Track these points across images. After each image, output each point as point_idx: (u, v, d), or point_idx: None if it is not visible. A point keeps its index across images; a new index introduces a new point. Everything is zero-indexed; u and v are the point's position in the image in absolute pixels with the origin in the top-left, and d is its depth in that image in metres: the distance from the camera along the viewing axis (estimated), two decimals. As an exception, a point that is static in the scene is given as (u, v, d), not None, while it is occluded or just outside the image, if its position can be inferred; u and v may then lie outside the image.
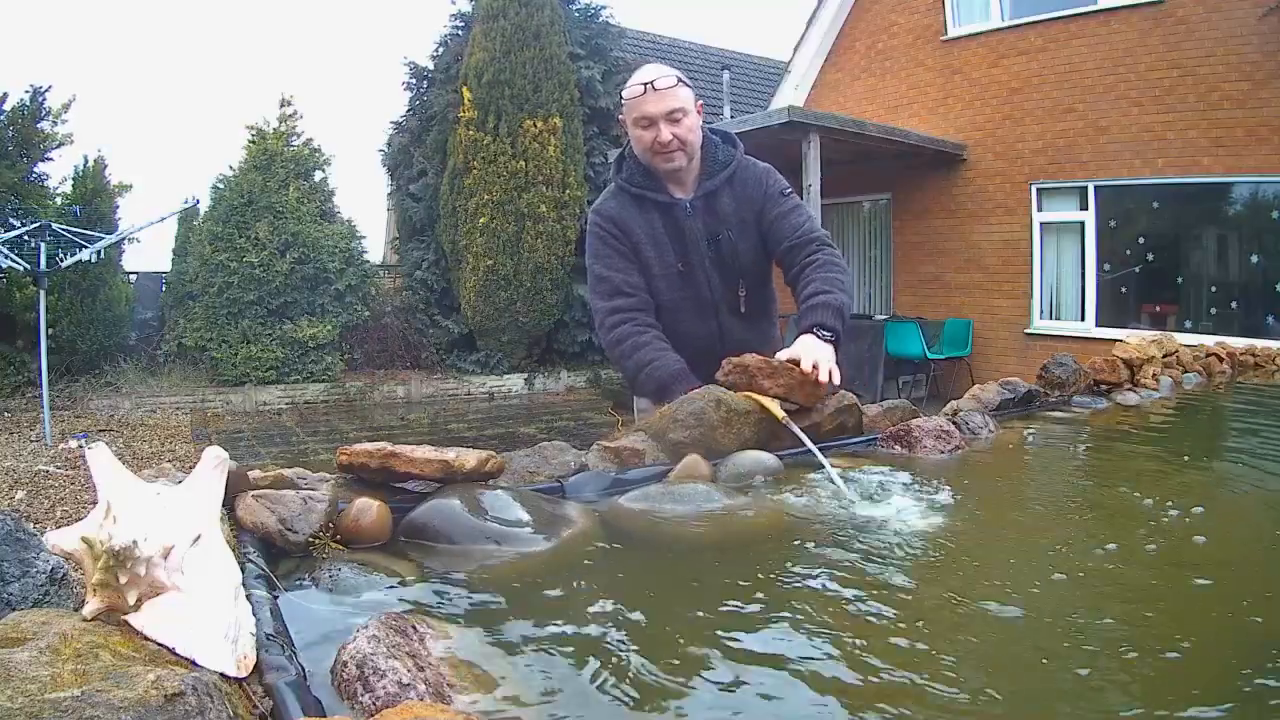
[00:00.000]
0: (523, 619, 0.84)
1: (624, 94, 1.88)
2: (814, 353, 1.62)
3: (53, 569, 0.71)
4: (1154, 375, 2.55)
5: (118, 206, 8.93)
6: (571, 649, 0.78)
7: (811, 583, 0.97)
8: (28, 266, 6.82)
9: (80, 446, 6.34)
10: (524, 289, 9.41)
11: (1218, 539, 1.10)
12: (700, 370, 1.78)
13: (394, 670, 0.64)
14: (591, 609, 0.88)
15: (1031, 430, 1.98)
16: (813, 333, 1.70)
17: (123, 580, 0.63)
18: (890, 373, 8.37)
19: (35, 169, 8.50)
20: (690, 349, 1.87)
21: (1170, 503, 1.25)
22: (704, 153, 1.92)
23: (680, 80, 1.84)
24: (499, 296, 9.41)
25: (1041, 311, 8.07)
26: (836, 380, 1.62)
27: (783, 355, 1.62)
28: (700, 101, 1.91)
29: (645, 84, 1.81)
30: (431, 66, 10.67)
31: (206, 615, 0.66)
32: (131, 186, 9.10)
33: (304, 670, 0.67)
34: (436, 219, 9.97)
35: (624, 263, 1.92)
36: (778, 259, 1.94)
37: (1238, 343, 3.48)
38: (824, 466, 1.38)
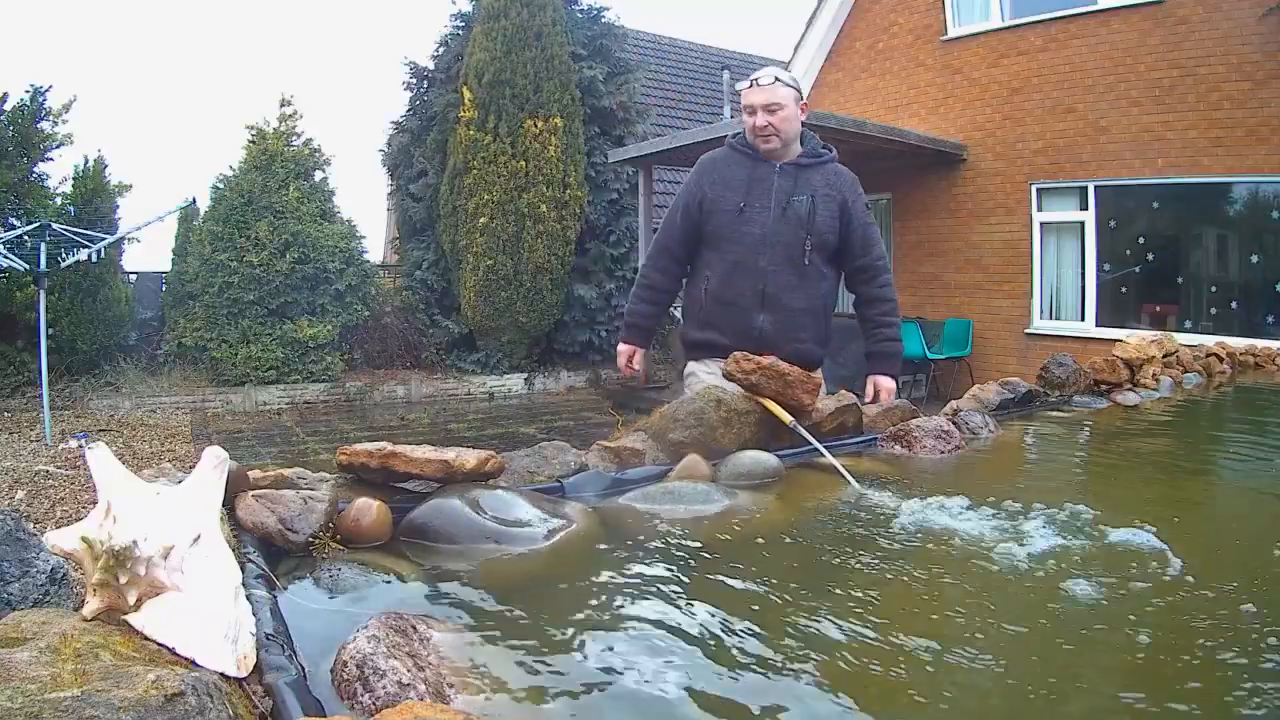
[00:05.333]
0: (523, 618, 0.84)
1: (739, 85, 2.35)
2: (887, 389, 2.28)
3: (53, 569, 0.71)
4: (1154, 375, 2.55)
5: (118, 206, 8.92)
6: (571, 648, 0.78)
7: (812, 582, 0.97)
8: (28, 266, 6.82)
9: (80, 446, 6.34)
10: (524, 289, 9.41)
11: (1216, 540, 1.10)
12: (739, 304, 2.23)
13: (394, 670, 0.64)
14: (591, 608, 0.88)
15: (1031, 430, 1.99)
16: (892, 378, 2.32)
17: (123, 580, 0.63)
18: (890, 373, 8.36)
19: (35, 169, 8.49)
20: (744, 284, 2.23)
21: (1169, 504, 1.25)
22: (804, 145, 2.32)
23: (780, 81, 2.25)
24: (499, 296, 9.40)
25: (1041, 311, 8.06)
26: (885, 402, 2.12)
27: (870, 398, 2.26)
28: (804, 102, 2.31)
29: (753, 80, 2.26)
30: (432, 66, 10.66)
31: (206, 615, 0.66)
32: (131, 186, 9.08)
33: (304, 670, 0.67)
34: (436, 219, 9.96)
35: (684, 221, 2.34)
36: (848, 267, 2.33)
37: (1238, 343, 3.48)
38: (831, 461, 1.39)
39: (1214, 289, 7.24)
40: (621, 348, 2.48)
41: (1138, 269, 7.54)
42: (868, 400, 2.22)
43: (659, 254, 2.43)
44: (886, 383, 2.29)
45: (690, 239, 2.35)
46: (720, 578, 0.98)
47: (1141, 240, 7.51)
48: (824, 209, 2.23)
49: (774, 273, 2.21)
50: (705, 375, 2.28)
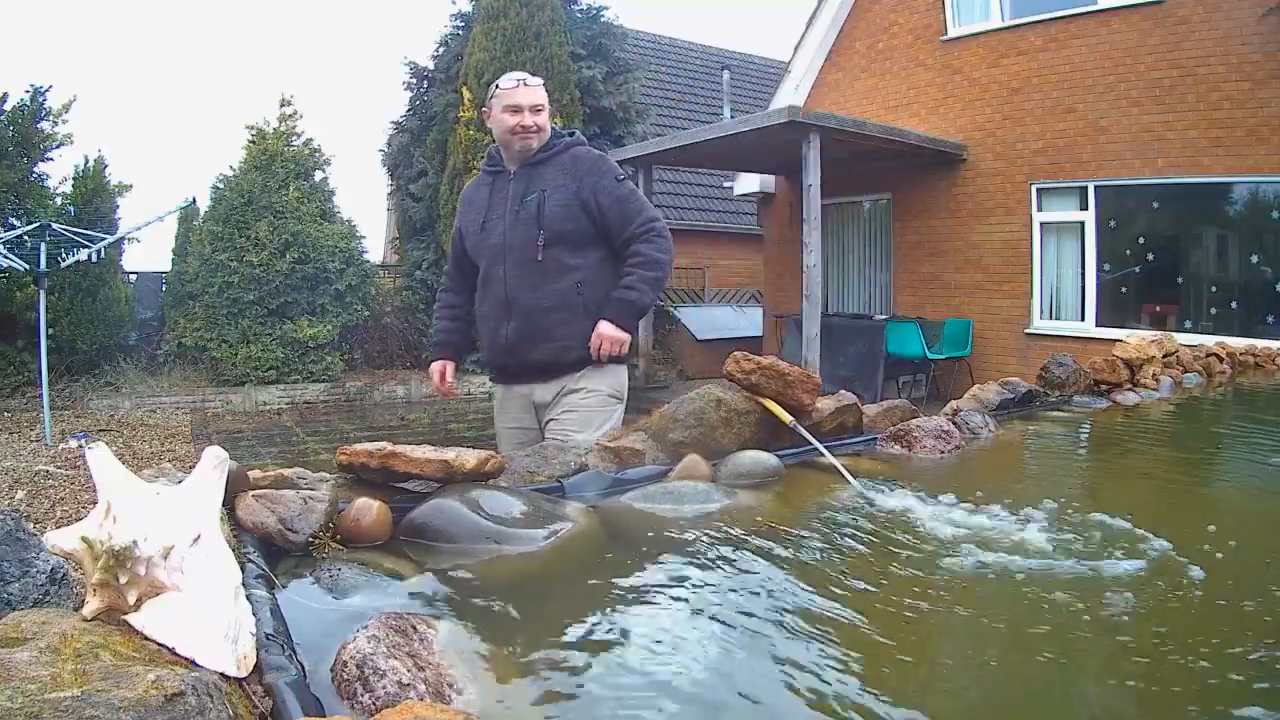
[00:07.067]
0: (522, 618, 0.84)
1: (500, 83, 2.25)
2: (598, 333, 2.12)
3: (53, 569, 0.71)
4: (1154, 375, 2.55)
5: (118, 206, 8.93)
6: (571, 648, 0.78)
7: (811, 581, 0.97)
8: (28, 266, 6.81)
9: (80, 446, 6.34)
10: (524, 289, 9.42)
11: (1215, 540, 1.10)
12: (490, 317, 2.23)
13: (394, 670, 0.64)
14: (591, 608, 0.88)
15: (1031, 430, 1.99)
16: (616, 326, 2.14)
17: (123, 580, 0.63)
18: (890, 373, 8.35)
19: (35, 169, 8.49)
20: (491, 294, 2.24)
21: (1170, 504, 1.25)
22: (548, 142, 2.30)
23: (542, 84, 2.29)
24: (499, 296, 9.42)
25: (1041, 311, 8.05)
26: (607, 354, 2.12)
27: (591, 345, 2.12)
28: (552, 108, 2.33)
29: (519, 80, 2.24)
30: (432, 66, 10.67)
31: (206, 615, 0.66)
32: (131, 186, 9.09)
33: (304, 670, 0.67)
34: (436, 219, 9.96)
35: (457, 228, 2.42)
36: (619, 248, 2.22)
37: (1238, 343, 3.48)
38: (831, 460, 1.39)
39: (1214, 289, 7.24)
40: (432, 366, 2.45)
41: (1138, 269, 7.54)
42: (590, 347, 2.13)
43: (448, 274, 2.51)
44: (604, 328, 2.12)
45: (459, 249, 2.40)
46: (719, 577, 0.97)
47: (1141, 240, 7.51)
48: (554, 199, 2.18)
49: (513, 278, 2.18)
50: (496, 401, 2.36)
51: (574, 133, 2.34)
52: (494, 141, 2.35)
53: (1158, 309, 7.48)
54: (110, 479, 0.68)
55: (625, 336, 2.16)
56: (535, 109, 2.21)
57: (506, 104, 2.21)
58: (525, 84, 2.23)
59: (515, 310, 2.17)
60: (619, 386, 2.23)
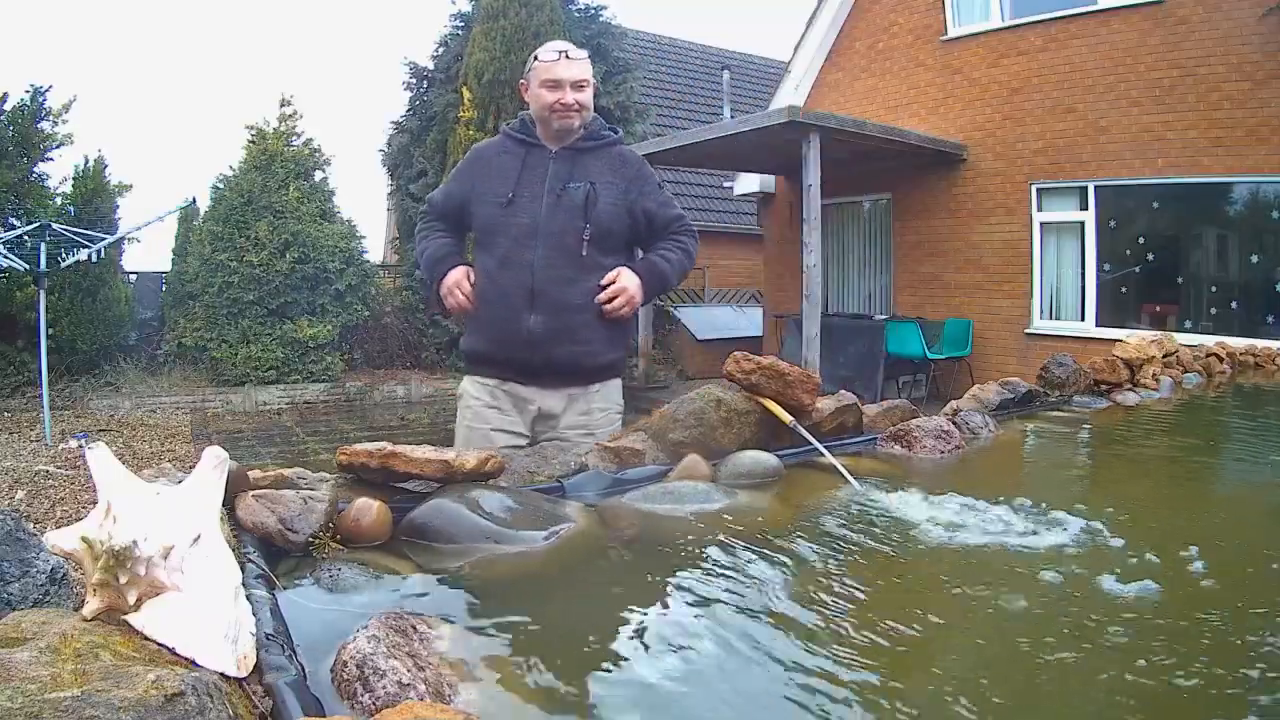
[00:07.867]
0: (522, 618, 0.84)
1: (539, 55, 2.05)
2: (621, 281, 1.97)
3: (53, 569, 0.71)
4: (1154, 375, 2.55)
5: (118, 206, 8.94)
6: (571, 648, 0.78)
7: (811, 582, 0.97)
8: (28, 266, 6.82)
9: (80, 446, 6.34)
10: (524, 289, 9.42)
11: (1212, 544, 1.10)
12: (507, 304, 2.01)
13: (394, 670, 0.64)
14: (591, 608, 0.88)
15: (1031, 430, 1.99)
16: (638, 278, 2.01)
17: (123, 580, 0.63)
18: (890, 373, 8.36)
19: (35, 169, 8.50)
20: (512, 279, 2.02)
21: (1169, 504, 1.25)
22: (589, 127, 2.12)
23: (587, 57, 2.09)
24: (499, 296, 9.42)
25: (1041, 311, 8.05)
26: (615, 310, 1.98)
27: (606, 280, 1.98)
28: (595, 82, 2.13)
29: (560, 52, 2.04)
30: (432, 66, 10.68)
31: (206, 615, 0.66)
32: (131, 186, 9.10)
33: (304, 670, 0.67)
34: (436, 219, 9.99)
35: (457, 188, 2.19)
36: (655, 242, 2.14)
37: (1238, 343, 3.48)
38: (831, 460, 1.39)
39: (1214, 289, 7.24)
40: (451, 275, 2.10)
41: (1138, 269, 7.54)
42: (604, 282, 1.98)
43: (431, 224, 2.29)
44: (629, 279, 1.98)
45: (454, 209, 2.19)
46: (719, 578, 0.97)
47: (1141, 240, 7.51)
48: (606, 196, 2.03)
49: (544, 266, 1.98)
50: (474, 398, 2.11)
51: (617, 130, 2.20)
52: (513, 118, 2.19)
53: (1158, 309, 7.49)
54: (110, 479, 0.68)
55: (640, 299, 2.02)
56: (578, 85, 2.01)
57: (545, 78, 2.01)
58: (567, 56, 2.03)
59: (541, 302, 1.97)
60: (620, 400, 2.18)
